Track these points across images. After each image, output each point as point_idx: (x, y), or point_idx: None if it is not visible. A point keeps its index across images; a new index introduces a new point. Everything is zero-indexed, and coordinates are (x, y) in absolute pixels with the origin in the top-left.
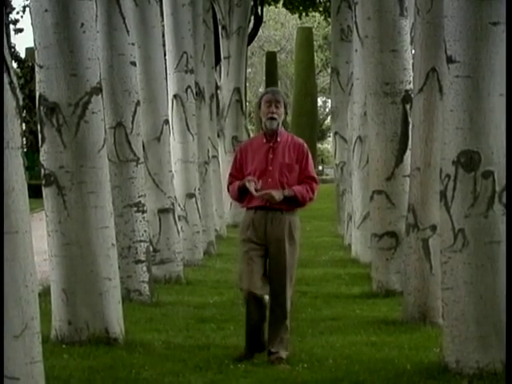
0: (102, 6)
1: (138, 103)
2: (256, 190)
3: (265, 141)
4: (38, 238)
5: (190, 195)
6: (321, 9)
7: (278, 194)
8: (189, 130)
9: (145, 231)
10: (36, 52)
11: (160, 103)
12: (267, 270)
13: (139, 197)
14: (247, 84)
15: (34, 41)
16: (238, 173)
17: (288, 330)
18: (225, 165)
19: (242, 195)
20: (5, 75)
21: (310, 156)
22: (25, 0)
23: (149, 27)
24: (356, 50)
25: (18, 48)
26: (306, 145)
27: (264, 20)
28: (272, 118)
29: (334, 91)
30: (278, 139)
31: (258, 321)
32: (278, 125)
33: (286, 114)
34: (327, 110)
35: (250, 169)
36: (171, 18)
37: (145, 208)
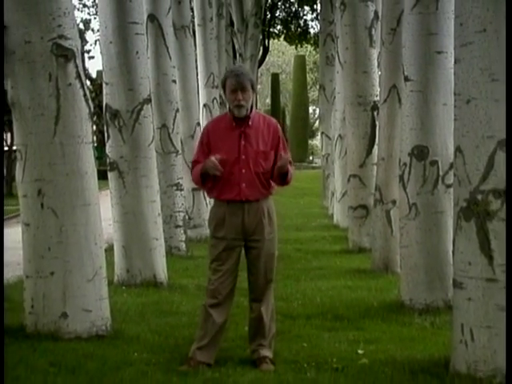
0: (151, 39)
1: (177, 110)
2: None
3: (235, 125)
4: (105, 209)
5: None
6: (312, 41)
7: (287, 159)
8: None
9: (182, 204)
10: (103, 73)
11: (193, 110)
12: (248, 263)
13: (178, 179)
14: (258, 96)
15: (102, 65)
16: (205, 157)
17: (274, 325)
18: None
19: (204, 179)
20: (80, 90)
21: (283, 137)
22: (96, 35)
23: (185, 54)
24: (337, 72)
25: (90, 70)
26: (278, 125)
27: (270, 49)
28: (239, 106)
29: (321, 102)
30: (250, 123)
31: (221, 326)
32: (247, 110)
33: (255, 92)
34: (316, 115)
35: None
36: (202, 48)
37: (182, 187)
